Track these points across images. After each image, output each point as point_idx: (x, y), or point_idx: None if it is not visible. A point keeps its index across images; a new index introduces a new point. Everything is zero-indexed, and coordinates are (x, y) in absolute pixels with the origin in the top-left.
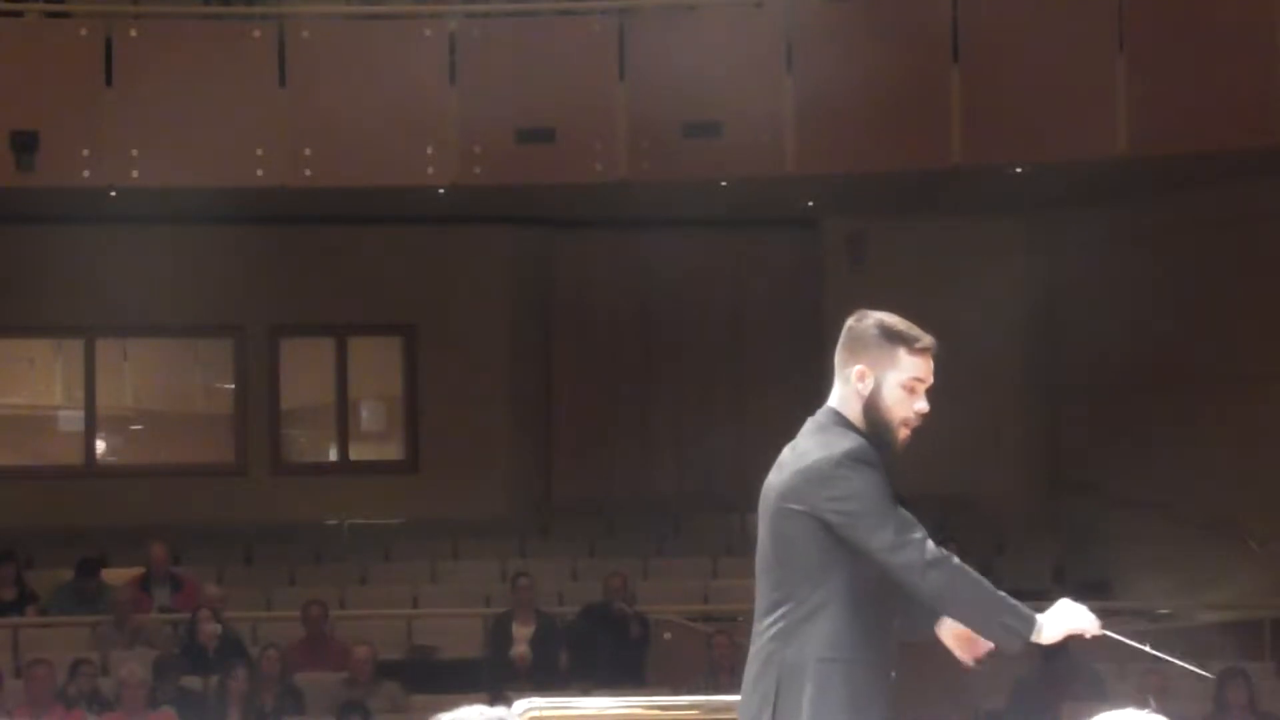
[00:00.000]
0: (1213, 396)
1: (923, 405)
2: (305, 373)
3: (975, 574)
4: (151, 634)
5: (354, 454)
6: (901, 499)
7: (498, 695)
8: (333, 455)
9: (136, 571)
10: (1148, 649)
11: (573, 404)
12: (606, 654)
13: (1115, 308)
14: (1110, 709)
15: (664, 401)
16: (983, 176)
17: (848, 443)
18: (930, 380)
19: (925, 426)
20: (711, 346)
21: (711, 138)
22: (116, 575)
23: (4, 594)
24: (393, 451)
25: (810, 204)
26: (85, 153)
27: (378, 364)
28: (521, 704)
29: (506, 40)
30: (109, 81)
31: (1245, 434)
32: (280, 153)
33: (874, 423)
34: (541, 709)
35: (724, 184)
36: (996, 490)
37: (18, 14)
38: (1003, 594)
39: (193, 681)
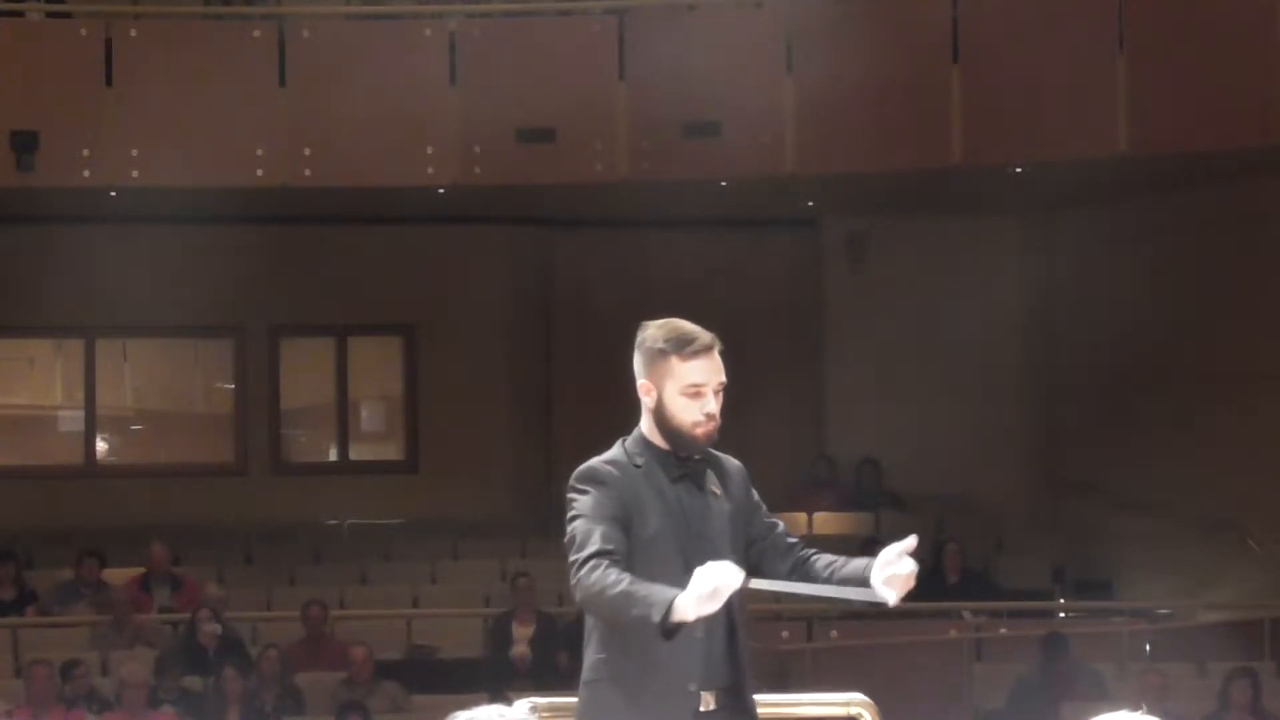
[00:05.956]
0: (1212, 396)
1: (710, 407)
2: (305, 373)
3: (610, 579)
4: (151, 634)
5: (354, 454)
6: (897, 499)
7: (498, 695)
8: (333, 455)
9: (136, 571)
10: (812, 591)
11: (573, 404)
12: None
13: (1114, 307)
14: (1109, 710)
15: None
16: (982, 176)
17: (595, 459)
18: (714, 380)
19: (925, 426)
20: None
21: (711, 138)
22: (116, 575)
23: (4, 594)
24: (393, 451)
25: (810, 204)
26: (85, 153)
27: (378, 364)
28: (522, 704)
29: (506, 40)
30: (109, 81)
31: (1245, 434)
32: (280, 153)
33: (668, 433)
34: (542, 709)
35: (724, 184)
36: (996, 490)
37: (18, 14)
38: (632, 590)
39: (193, 681)
